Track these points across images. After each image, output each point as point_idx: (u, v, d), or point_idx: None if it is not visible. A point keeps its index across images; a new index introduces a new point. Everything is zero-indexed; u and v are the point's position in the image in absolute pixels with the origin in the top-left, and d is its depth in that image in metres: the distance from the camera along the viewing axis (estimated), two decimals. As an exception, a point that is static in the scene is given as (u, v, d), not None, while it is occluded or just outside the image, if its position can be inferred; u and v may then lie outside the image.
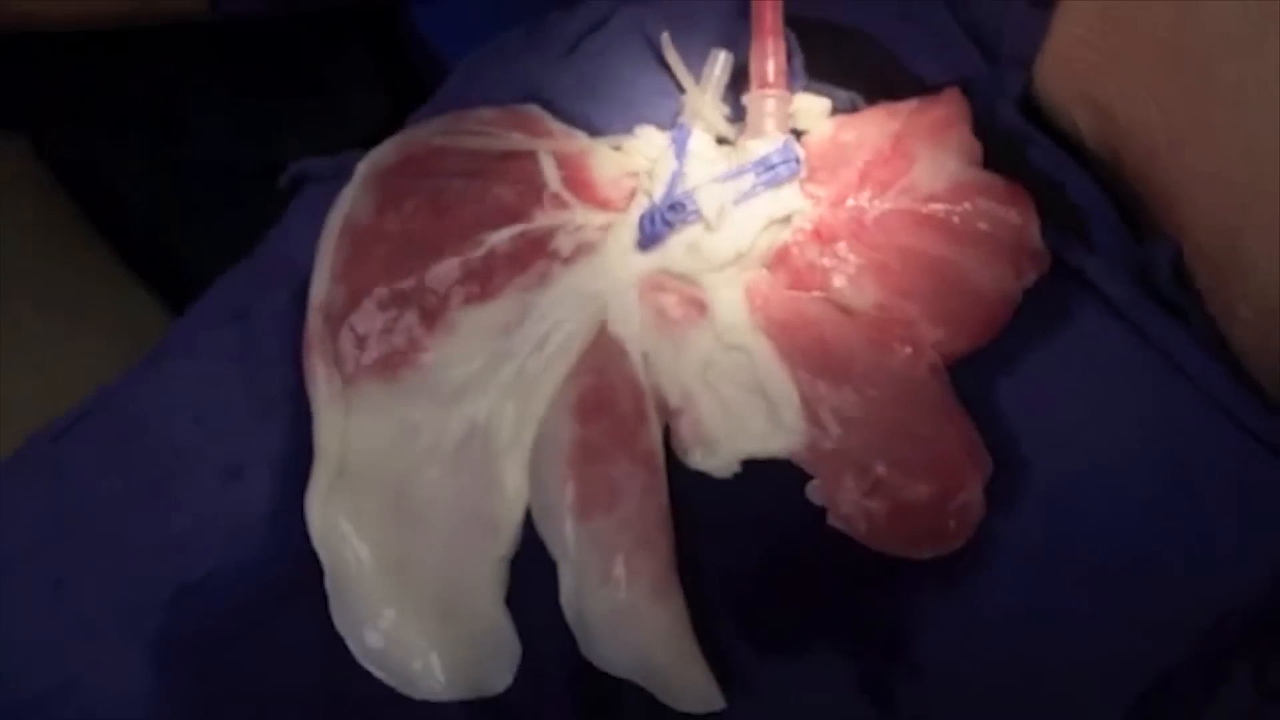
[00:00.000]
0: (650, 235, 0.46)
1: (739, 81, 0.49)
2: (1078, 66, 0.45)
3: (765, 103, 0.48)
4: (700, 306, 0.46)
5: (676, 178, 0.47)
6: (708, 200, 0.46)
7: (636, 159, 0.48)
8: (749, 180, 0.46)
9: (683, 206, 0.46)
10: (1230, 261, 0.40)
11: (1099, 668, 0.41)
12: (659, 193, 0.47)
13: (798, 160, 0.46)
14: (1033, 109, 0.48)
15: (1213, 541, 0.42)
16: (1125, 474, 0.42)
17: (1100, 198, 0.45)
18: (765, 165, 0.46)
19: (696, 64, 0.50)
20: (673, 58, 0.50)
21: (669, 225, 0.46)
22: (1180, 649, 0.41)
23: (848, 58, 0.50)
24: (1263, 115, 0.38)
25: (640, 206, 0.47)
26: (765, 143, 0.47)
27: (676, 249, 0.46)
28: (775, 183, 0.46)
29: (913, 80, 0.49)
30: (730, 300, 0.46)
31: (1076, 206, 0.45)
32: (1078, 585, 0.41)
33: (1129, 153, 0.44)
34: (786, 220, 0.46)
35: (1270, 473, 0.42)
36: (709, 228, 0.46)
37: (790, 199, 0.46)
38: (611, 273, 0.46)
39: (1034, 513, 0.42)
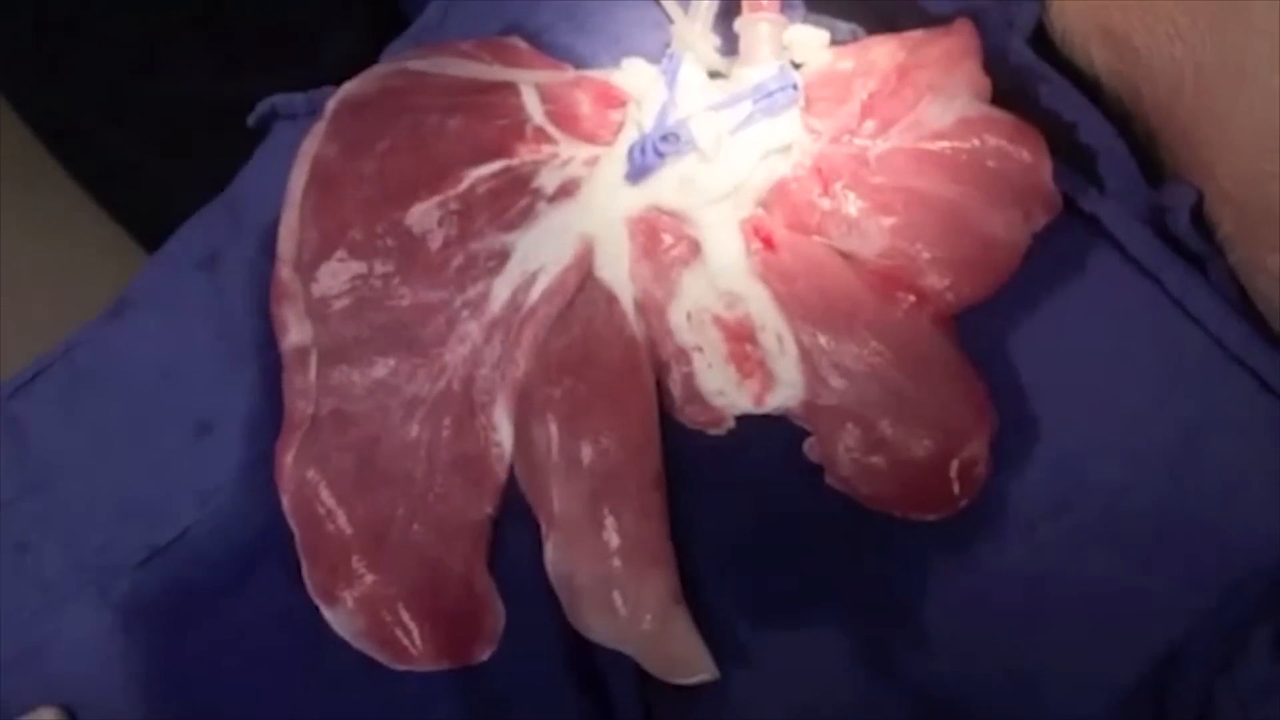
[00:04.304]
0: (640, 166, 0.44)
1: (731, 14, 0.47)
2: (1096, -4, 0.42)
3: (759, 27, 0.45)
4: (694, 246, 0.43)
5: (668, 107, 0.44)
6: (703, 129, 0.44)
7: (625, 89, 0.46)
8: (745, 108, 0.44)
9: (676, 137, 0.44)
10: (1260, 209, 0.38)
11: (1110, 634, 0.40)
12: (650, 123, 0.44)
13: (795, 86, 0.44)
14: (1045, 43, 0.45)
15: (1230, 501, 0.40)
16: (1139, 431, 0.41)
17: (1114, 139, 0.43)
18: (762, 92, 0.44)
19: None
20: (660, -12, 0.47)
21: (661, 156, 0.44)
22: (1195, 615, 0.39)
23: (849, -15, 0.48)
24: (1301, 53, 0.36)
25: (629, 139, 0.45)
26: (760, 69, 0.45)
27: (669, 183, 0.44)
28: (772, 111, 0.44)
29: (917, 11, 0.46)
30: (725, 241, 0.44)
31: (1089, 147, 0.43)
32: (1088, 548, 0.40)
33: (1150, 90, 0.41)
34: (784, 150, 0.44)
35: (1289, 429, 0.40)
36: (704, 159, 0.44)
37: (788, 128, 0.44)
38: (599, 210, 0.44)
39: (1043, 472, 0.41)
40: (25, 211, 0.70)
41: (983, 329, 0.42)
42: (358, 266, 0.43)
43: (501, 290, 0.43)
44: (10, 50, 0.69)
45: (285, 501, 0.42)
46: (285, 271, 0.44)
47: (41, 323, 0.57)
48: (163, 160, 0.72)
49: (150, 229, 0.72)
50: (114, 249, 0.75)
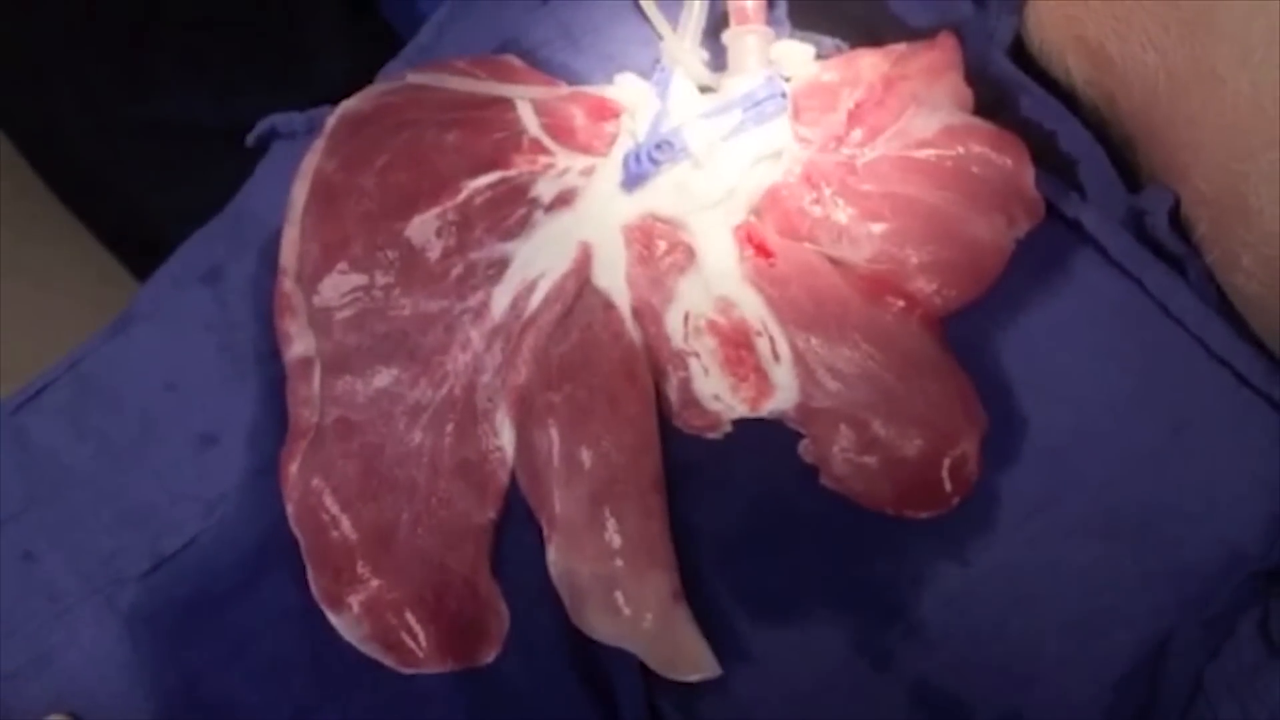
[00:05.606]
0: (635, 174, 0.45)
1: (719, 32, 0.48)
2: (1070, 8, 0.44)
3: (746, 39, 0.46)
4: (689, 253, 0.44)
5: (661, 117, 0.45)
6: (695, 136, 0.45)
7: (619, 102, 0.47)
8: (735, 116, 0.45)
9: (670, 145, 0.45)
10: (1234, 208, 0.39)
11: (1100, 624, 0.40)
12: (643, 132, 0.45)
13: (784, 95, 0.45)
14: (1023, 55, 0.47)
15: (1212, 494, 0.41)
16: (1123, 427, 0.42)
17: (1093, 146, 0.44)
18: (751, 100, 0.45)
19: (674, 11, 0.48)
20: (649, 5, 0.48)
21: (655, 164, 0.45)
22: (1182, 603, 0.40)
23: (832, 3, 0.49)
24: (1268, 56, 0.37)
25: (624, 148, 0.46)
26: (748, 79, 0.46)
27: (663, 189, 0.45)
28: (762, 119, 0.45)
29: (899, 25, 0.47)
30: (719, 247, 0.44)
31: (1069, 155, 0.44)
32: (1077, 541, 0.41)
33: (1126, 97, 0.43)
34: (775, 157, 0.45)
35: (1269, 424, 0.41)
36: (697, 165, 0.45)
37: (779, 134, 0.45)
38: (596, 218, 0.45)
39: (1032, 468, 0.42)
40: (12, 233, 0.71)
41: (971, 331, 0.43)
42: (359, 278, 0.44)
43: (502, 298, 0.44)
44: (2, 75, 0.70)
45: (290, 509, 0.42)
46: (287, 284, 0.44)
47: (34, 345, 0.57)
48: (150, 183, 0.72)
49: (136, 251, 0.73)
50: (107, 274, 0.75)
